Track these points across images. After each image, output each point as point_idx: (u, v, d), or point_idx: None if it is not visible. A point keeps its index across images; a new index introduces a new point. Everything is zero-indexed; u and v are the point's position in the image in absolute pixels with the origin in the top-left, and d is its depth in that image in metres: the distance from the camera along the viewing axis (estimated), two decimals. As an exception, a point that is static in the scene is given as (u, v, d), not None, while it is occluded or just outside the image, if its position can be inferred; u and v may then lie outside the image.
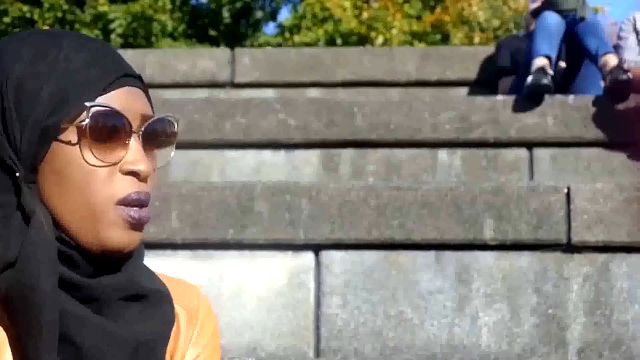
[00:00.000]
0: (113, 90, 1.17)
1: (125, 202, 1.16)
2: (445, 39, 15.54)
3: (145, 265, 1.27)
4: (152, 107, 1.23)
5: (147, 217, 1.18)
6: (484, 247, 3.38)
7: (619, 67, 4.90)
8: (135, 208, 1.17)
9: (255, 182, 3.54)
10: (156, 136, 1.20)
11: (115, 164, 1.16)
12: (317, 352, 3.29)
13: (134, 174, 1.17)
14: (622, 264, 3.35)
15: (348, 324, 3.30)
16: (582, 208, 3.38)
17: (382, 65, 6.33)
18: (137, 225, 1.18)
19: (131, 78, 1.20)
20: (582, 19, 5.36)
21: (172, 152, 1.23)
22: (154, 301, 1.23)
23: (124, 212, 1.16)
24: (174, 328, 1.26)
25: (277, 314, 3.32)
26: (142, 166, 1.17)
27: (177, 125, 1.24)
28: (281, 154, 4.88)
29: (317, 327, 3.31)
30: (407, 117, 4.86)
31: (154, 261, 3.19)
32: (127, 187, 1.16)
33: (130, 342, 1.17)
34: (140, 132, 1.18)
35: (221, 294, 3.33)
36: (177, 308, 1.27)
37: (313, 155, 4.87)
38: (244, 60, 6.37)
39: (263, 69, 6.33)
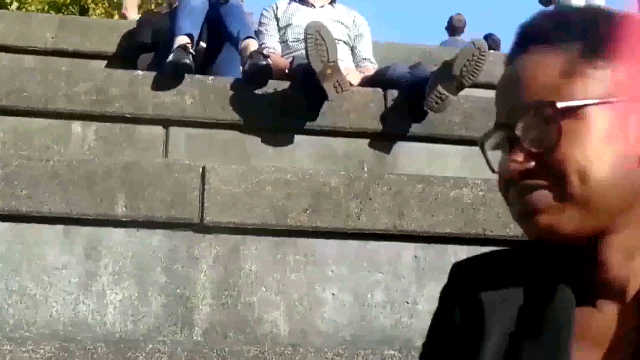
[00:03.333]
0: None
1: None
2: (85, 13, 15.19)
3: None
4: None
5: None
6: (116, 223, 3.29)
7: (259, 52, 4.94)
8: None
9: None
10: None
11: None
12: None
13: None
14: (252, 246, 3.37)
15: (-36, 298, 3.09)
16: (217, 189, 3.37)
17: (17, 31, 6.04)
18: None
19: None
20: (226, 1, 5.37)
21: None
22: None
23: None
24: None
25: None
26: None
27: None
28: None
29: None
30: (41, 86, 4.64)
31: None
32: None
33: None
34: None
35: None
36: None
37: None
38: None
39: None
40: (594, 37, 1.17)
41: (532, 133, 1.16)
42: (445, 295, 1.32)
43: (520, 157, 1.16)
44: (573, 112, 1.13)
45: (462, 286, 1.29)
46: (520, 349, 1.18)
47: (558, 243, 1.17)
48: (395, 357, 2.94)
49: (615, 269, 1.18)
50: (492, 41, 10.96)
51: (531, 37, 1.22)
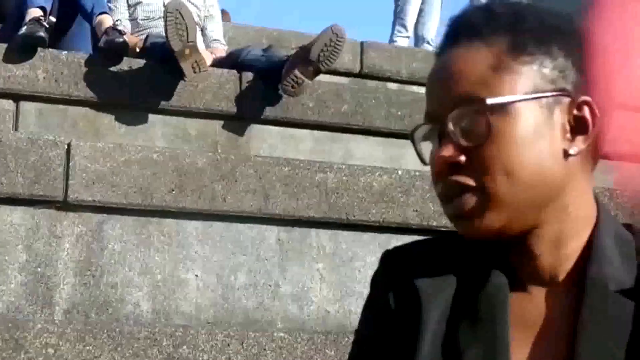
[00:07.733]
0: None
1: None
2: None
3: None
4: None
5: None
6: (-24, 199, 3.19)
7: (115, 28, 4.85)
8: None
9: None
10: None
11: None
12: None
13: None
14: (115, 225, 3.33)
15: None
16: (82, 166, 3.31)
17: None
18: None
19: None
20: (78, -26, 5.23)
21: None
22: None
23: None
24: None
25: None
26: None
27: None
28: None
29: None
30: None
31: None
32: None
33: None
34: None
35: None
36: None
37: None
38: None
39: None
40: (520, 32, 1.19)
41: (462, 127, 1.17)
42: (378, 280, 1.32)
43: (449, 150, 1.17)
44: (502, 109, 1.15)
45: (394, 272, 1.29)
46: (458, 335, 1.20)
47: (489, 239, 1.20)
48: (284, 340, 2.96)
49: (545, 258, 1.21)
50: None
51: (462, 30, 1.23)
